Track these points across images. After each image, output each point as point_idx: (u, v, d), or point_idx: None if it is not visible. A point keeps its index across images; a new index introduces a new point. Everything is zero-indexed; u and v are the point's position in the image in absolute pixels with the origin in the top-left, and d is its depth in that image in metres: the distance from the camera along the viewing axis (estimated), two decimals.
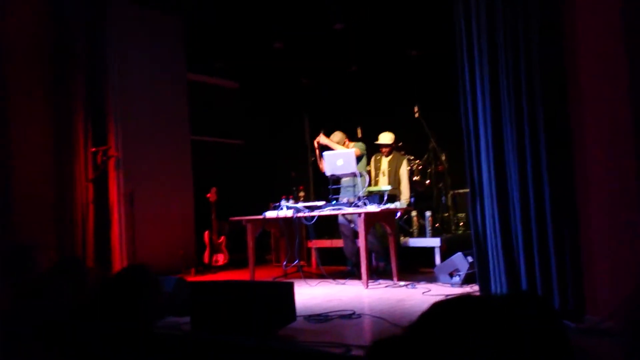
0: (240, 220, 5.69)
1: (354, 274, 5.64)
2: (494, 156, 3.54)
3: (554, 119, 3.25)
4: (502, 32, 3.54)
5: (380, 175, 6.30)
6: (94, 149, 6.02)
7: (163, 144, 6.75)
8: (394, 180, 6.17)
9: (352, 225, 5.70)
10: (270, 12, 6.79)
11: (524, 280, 3.42)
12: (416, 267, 6.12)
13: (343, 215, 5.53)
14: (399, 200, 5.92)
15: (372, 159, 6.46)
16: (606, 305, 2.94)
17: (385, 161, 6.32)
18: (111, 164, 6.15)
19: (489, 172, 3.59)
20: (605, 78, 3.07)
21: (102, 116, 6.21)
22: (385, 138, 6.34)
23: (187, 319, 3.41)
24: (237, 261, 6.96)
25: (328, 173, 5.56)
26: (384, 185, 6.09)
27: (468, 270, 4.81)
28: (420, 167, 6.73)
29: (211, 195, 6.99)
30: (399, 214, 5.80)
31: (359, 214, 4.96)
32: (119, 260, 6.02)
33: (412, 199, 6.47)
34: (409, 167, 6.47)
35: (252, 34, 7.36)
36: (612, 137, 3.09)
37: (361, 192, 5.30)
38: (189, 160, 7.15)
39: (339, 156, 5.50)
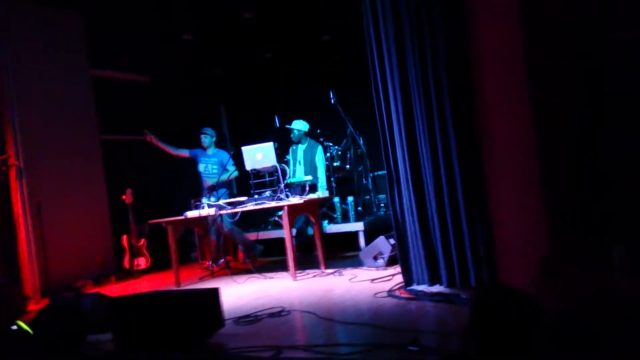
0: (160, 223, 5.50)
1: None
2: (408, 145, 3.64)
3: (461, 106, 3.38)
4: (407, 19, 3.60)
5: (297, 165, 6.28)
6: None
7: (70, 147, 6.34)
8: (311, 169, 6.17)
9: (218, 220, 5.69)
10: (177, 3, 6.50)
11: (442, 262, 3.57)
12: (343, 252, 6.22)
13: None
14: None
15: (290, 150, 6.44)
16: (519, 281, 3.12)
17: (300, 150, 6.30)
18: (12, 173, 5.70)
19: (404, 160, 3.69)
20: (504, 65, 3.22)
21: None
22: (297, 125, 6.31)
23: (107, 336, 3.27)
24: (161, 262, 6.73)
25: (248, 167, 5.48)
26: (301, 175, 6.09)
27: (391, 252, 4.95)
28: (340, 152, 6.81)
29: (127, 197, 6.69)
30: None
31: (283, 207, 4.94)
32: (29, 276, 5.62)
33: (334, 185, 6.53)
34: (327, 154, 6.51)
35: (159, 26, 7.03)
36: (515, 120, 3.26)
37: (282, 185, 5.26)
38: (100, 162, 6.77)
39: (258, 150, 5.43)
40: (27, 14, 6.07)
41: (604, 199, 2.98)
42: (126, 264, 6.65)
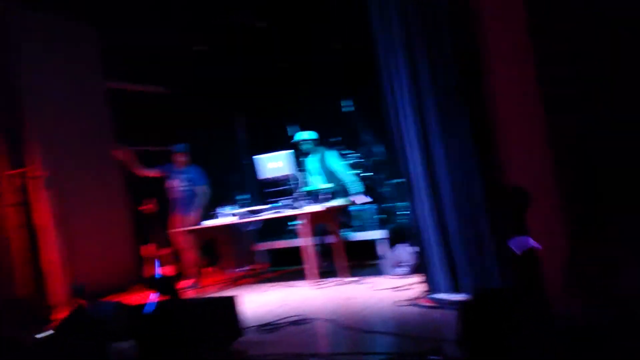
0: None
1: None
2: (423, 152, 3.63)
3: (475, 107, 3.35)
4: (413, 20, 3.60)
5: (315, 175, 6.20)
6: (11, 172, 5.67)
7: (90, 159, 6.47)
8: (328, 176, 6.07)
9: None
10: (191, 16, 6.60)
11: (463, 270, 3.52)
12: (363, 260, 6.17)
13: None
14: (348, 194, 5.85)
15: (305, 161, 6.34)
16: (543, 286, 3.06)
17: (314, 161, 6.20)
18: (36, 185, 5.82)
19: (421, 169, 3.67)
20: (514, 65, 3.19)
21: (19, 137, 5.84)
22: (303, 135, 6.16)
23: (131, 343, 3.30)
24: None
25: (261, 176, 5.49)
26: (319, 184, 6.03)
27: (412, 260, 4.89)
28: (359, 160, 6.78)
29: (151, 207, 6.76)
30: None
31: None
32: (59, 286, 5.71)
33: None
34: (344, 161, 6.45)
35: (173, 37, 7.14)
36: (528, 125, 3.21)
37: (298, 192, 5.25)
38: (120, 174, 6.87)
39: (274, 158, 5.44)
40: (44, 27, 6.22)
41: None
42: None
